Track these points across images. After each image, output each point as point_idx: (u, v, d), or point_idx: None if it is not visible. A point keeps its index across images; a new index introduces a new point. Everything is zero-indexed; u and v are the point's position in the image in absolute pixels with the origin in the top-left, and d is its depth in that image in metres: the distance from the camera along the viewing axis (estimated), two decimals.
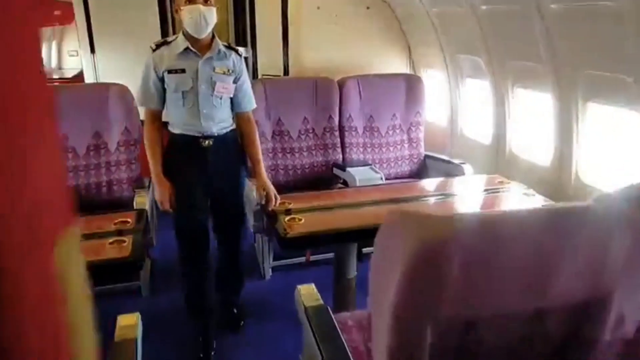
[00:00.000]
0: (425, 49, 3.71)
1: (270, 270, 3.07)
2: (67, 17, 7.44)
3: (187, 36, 2.18)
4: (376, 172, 3.06)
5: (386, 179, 3.16)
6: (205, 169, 2.26)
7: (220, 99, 2.24)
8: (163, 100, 2.25)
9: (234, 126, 2.35)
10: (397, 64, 3.90)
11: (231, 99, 2.29)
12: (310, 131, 3.38)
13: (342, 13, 3.65)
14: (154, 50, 2.22)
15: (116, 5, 3.80)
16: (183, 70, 2.17)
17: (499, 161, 3.09)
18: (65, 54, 8.07)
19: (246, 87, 2.34)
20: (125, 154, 3.04)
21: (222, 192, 2.36)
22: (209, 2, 2.15)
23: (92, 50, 3.94)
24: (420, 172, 3.58)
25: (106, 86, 3.01)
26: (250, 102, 2.38)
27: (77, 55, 7.99)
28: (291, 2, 3.57)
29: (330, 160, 3.39)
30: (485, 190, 2.57)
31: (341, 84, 3.42)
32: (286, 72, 3.71)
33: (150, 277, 3.01)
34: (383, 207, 2.30)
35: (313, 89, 3.35)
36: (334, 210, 2.28)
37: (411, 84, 3.54)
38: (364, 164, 3.30)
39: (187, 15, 2.12)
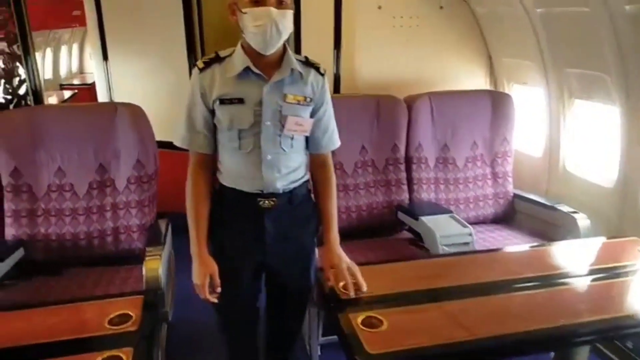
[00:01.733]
0: (515, 60, 2.94)
1: (319, 348, 2.35)
2: None
3: (249, 51, 1.49)
4: (463, 224, 2.30)
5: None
6: (261, 239, 1.58)
7: (292, 139, 1.55)
8: (215, 140, 1.59)
9: (307, 177, 1.65)
10: (473, 78, 3.15)
11: (306, 137, 1.61)
12: (369, 164, 2.66)
13: (408, 14, 2.91)
14: (201, 70, 1.52)
15: (134, 6, 3.18)
16: (241, 100, 1.48)
17: (626, 213, 2.30)
18: (87, 57, 7.59)
19: (327, 120, 1.64)
20: (136, 194, 2.37)
21: (283, 274, 1.66)
22: (284, 2, 1.42)
23: (105, 57, 3.33)
24: (507, 216, 2.82)
25: (113, 107, 2.35)
26: (331, 141, 1.67)
27: None
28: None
29: (393, 200, 2.67)
30: (628, 267, 1.79)
31: (409, 104, 2.69)
32: (337, 87, 2.99)
33: (165, 352, 2.34)
34: (503, 299, 1.56)
35: (375, 110, 2.63)
36: (428, 303, 1.54)
37: (498, 104, 2.78)
38: (440, 208, 2.55)
39: (251, 21, 1.41)
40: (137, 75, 3.37)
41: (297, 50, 3.01)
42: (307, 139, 1.62)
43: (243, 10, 1.43)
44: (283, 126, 1.51)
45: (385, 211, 2.66)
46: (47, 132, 2.28)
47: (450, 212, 2.46)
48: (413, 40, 2.96)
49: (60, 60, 6.86)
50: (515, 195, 2.82)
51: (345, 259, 1.61)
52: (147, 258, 1.99)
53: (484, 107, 2.77)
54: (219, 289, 1.53)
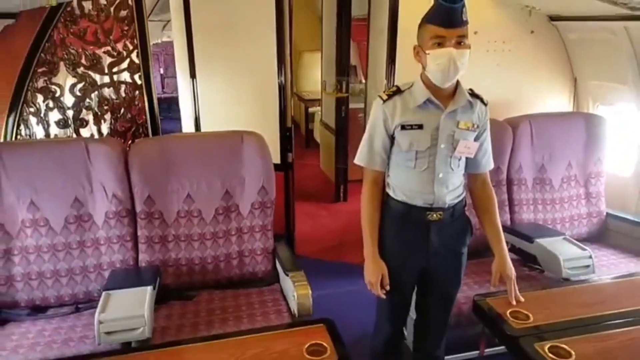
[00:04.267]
0: (603, 83, 3.02)
1: None
2: None
3: (428, 84, 1.71)
4: (580, 247, 2.38)
5: None
6: (426, 249, 1.81)
7: (459, 160, 1.79)
8: (388, 161, 1.84)
9: (464, 194, 1.89)
10: (557, 99, 3.24)
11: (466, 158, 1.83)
12: None
13: (501, 38, 3.00)
14: (384, 101, 1.75)
15: (226, 25, 3.23)
16: (420, 126, 1.72)
17: None
18: None
19: (487, 144, 1.90)
20: (260, 219, 2.45)
21: (439, 277, 1.90)
22: (462, 43, 1.60)
23: (193, 75, 3.39)
24: (600, 235, 2.91)
25: (239, 135, 2.42)
26: (489, 162, 1.93)
27: None
28: None
29: None
30: None
31: (511, 127, 2.77)
32: None
33: None
34: None
35: None
36: (608, 330, 1.62)
37: (591, 125, 2.87)
38: (550, 230, 2.64)
39: (433, 61, 1.62)
40: (225, 94, 3.42)
41: (392, 73, 3.11)
42: (466, 160, 1.84)
43: (427, 52, 1.63)
44: (454, 149, 1.74)
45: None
46: (179, 161, 2.34)
47: (563, 234, 2.54)
48: (503, 64, 3.05)
49: None
50: (609, 215, 2.90)
51: (513, 271, 1.84)
52: (296, 284, 2.07)
53: (578, 129, 2.85)
54: (387, 287, 1.80)
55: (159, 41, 8.38)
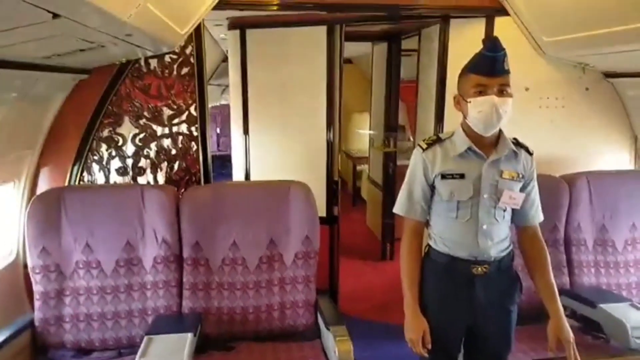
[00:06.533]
0: None
1: None
2: None
3: (469, 133, 1.71)
4: None
5: None
6: (471, 305, 1.73)
7: (504, 211, 1.74)
8: (428, 210, 1.81)
9: (511, 247, 1.82)
10: (616, 157, 3.09)
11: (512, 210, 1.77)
12: None
13: (554, 95, 2.96)
14: (424, 150, 1.76)
15: (279, 89, 3.37)
16: (462, 176, 1.70)
17: None
18: None
19: (535, 195, 1.84)
20: (303, 270, 2.42)
21: (488, 336, 1.80)
22: (505, 92, 1.60)
23: (246, 131, 3.52)
24: None
25: (287, 185, 2.45)
26: (538, 214, 1.86)
27: None
28: None
29: None
30: None
31: (568, 184, 2.65)
32: None
33: None
34: None
35: None
36: None
37: None
38: (614, 295, 2.45)
39: (475, 109, 1.63)
40: (275, 149, 3.50)
41: (440, 130, 3.10)
42: (513, 212, 1.78)
43: (468, 100, 1.64)
44: (498, 199, 1.69)
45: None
46: (227, 208, 2.39)
47: (629, 300, 2.34)
48: (557, 120, 2.98)
49: None
50: None
51: (571, 334, 1.70)
52: (337, 339, 1.99)
53: None
54: (429, 345, 1.70)
55: (217, 104, 8.89)
